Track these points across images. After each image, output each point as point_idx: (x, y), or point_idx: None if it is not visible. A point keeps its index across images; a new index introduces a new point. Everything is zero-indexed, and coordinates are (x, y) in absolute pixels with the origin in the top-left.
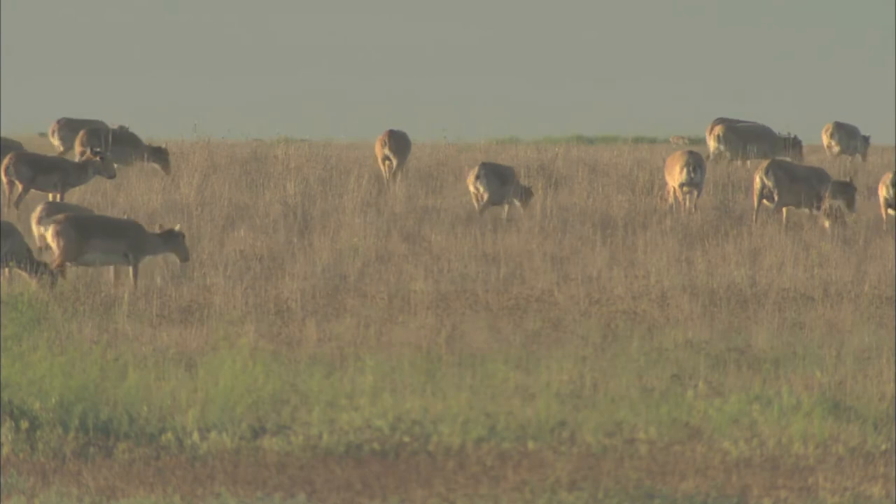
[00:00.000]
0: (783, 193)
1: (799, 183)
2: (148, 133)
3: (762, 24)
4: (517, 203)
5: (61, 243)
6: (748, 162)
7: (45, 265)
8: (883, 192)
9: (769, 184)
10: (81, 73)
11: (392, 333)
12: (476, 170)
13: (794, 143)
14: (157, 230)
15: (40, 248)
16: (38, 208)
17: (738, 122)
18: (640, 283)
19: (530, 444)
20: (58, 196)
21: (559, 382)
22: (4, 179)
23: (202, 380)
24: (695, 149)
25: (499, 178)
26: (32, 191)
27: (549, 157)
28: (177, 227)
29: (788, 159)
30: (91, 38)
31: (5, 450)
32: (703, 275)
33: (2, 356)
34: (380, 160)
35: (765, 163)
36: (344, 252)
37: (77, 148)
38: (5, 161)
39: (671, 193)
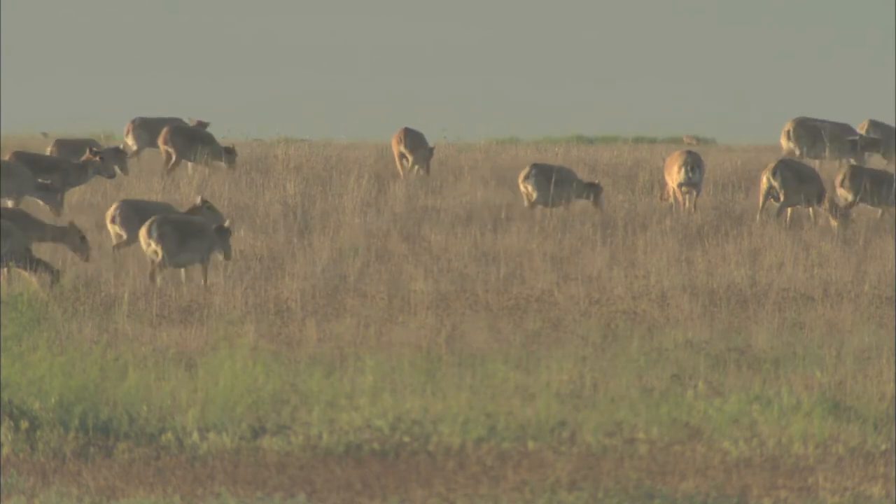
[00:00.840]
0: (790, 194)
1: (807, 183)
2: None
3: (762, 24)
4: (590, 202)
5: (164, 246)
6: (818, 162)
7: (45, 263)
8: None
9: (776, 184)
10: (82, 73)
11: (392, 333)
12: (526, 170)
13: (873, 144)
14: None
15: (116, 247)
16: (113, 207)
17: (814, 120)
18: (640, 283)
19: (530, 444)
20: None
21: (559, 382)
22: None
23: (202, 380)
24: (706, 149)
25: (549, 179)
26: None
27: (548, 157)
28: (226, 224)
29: (854, 162)
30: (91, 37)
31: (5, 450)
32: (703, 275)
33: (2, 356)
34: (396, 158)
35: (772, 163)
36: (344, 252)
37: (161, 147)
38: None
39: (671, 193)
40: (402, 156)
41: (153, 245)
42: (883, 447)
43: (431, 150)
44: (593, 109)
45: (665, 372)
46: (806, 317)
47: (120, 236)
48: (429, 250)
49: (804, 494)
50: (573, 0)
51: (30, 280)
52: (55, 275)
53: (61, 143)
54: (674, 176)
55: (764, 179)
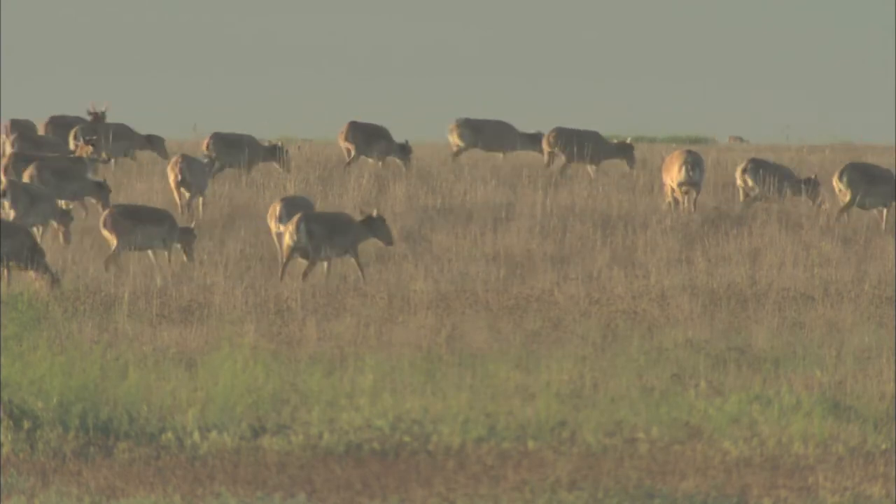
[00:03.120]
0: (857, 195)
1: (879, 184)
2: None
3: (762, 24)
4: (808, 199)
5: (312, 242)
6: None
7: (45, 265)
8: None
9: (842, 186)
10: (82, 73)
11: (392, 333)
12: (744, 164)
13: None
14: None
15: (288, 246)
16: (277, 206)
17: None
18: (640, 283)
19: (530, 444)
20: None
21: (559, 382)
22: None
23: (202, 379)
24: (706, 149)
25: (767, 172)
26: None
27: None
28: (374, 213)
29: None
30: (91, 37)
31: (5, 450)
32: (703, 275)
33: (2, 356)
34: (545, 155)
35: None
36: None
37: (341, 144)
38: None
39: (669, 193)
40: (550, 153)
41: (302, 241)
42: (883, 447)
43: (620, 145)
44: (593, 109)
45: (665, 372)
46: (806, 316)
47: (282, 235)
48: (429, 250)
49: (804, 494)
50: (573, 0)
51: (31, 279)
52: (55, 277)
53: (218, 137)
54: (674, 175)
55: (835, 182)
